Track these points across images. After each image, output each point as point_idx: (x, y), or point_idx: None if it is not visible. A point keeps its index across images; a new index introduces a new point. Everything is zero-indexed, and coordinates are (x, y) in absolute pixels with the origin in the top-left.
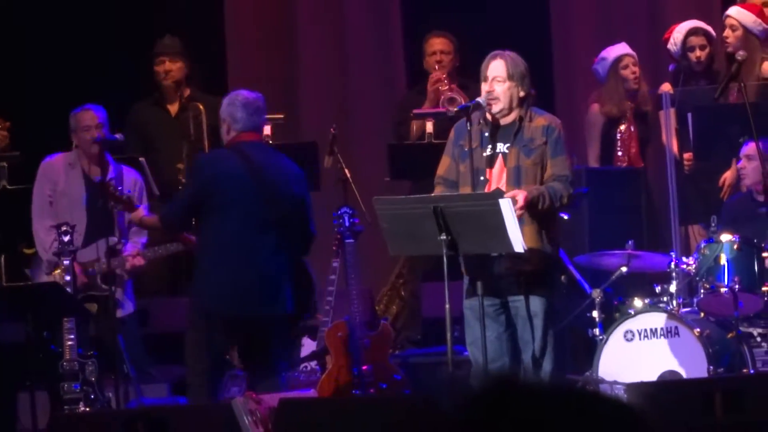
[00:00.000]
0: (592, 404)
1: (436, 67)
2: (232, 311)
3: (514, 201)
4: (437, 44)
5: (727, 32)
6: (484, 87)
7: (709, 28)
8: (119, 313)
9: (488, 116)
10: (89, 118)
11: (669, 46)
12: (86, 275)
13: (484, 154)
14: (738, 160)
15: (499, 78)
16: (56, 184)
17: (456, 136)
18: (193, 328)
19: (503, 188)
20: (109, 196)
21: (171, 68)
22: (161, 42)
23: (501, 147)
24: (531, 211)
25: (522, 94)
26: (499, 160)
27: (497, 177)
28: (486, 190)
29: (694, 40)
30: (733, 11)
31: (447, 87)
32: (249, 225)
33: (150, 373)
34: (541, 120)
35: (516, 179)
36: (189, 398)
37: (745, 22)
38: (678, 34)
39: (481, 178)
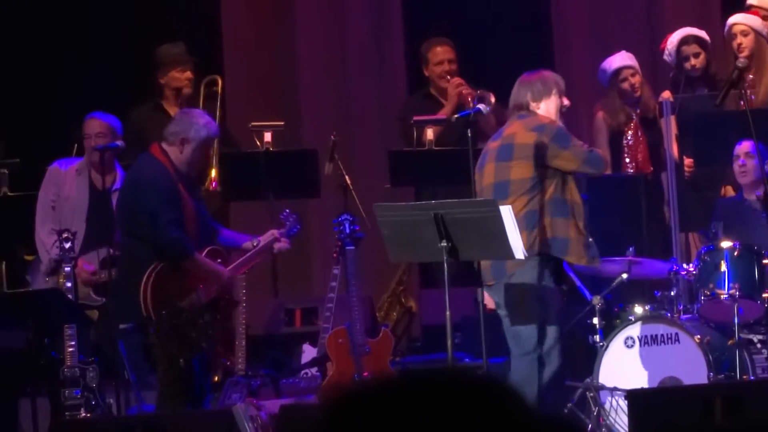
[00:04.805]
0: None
1: (447, 76)
2: None
3: None
4: (443, 53)
5: (740, 39)
6: (565, 101)
7: (702, 34)
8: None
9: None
10: (91, 126)
11: (665, 56)
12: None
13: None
14: (739, 158)
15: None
16: (60, 189)
17: None
18: None
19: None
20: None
21: (191, 76)
22: (176, 49)
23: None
24: None
25: None
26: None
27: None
28: None
29: (687, 50)
30: (740, 18)
31: (471, 89)
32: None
33: (149, 382)
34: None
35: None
36: None
37: (754, 25)
38: (670, 45)
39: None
